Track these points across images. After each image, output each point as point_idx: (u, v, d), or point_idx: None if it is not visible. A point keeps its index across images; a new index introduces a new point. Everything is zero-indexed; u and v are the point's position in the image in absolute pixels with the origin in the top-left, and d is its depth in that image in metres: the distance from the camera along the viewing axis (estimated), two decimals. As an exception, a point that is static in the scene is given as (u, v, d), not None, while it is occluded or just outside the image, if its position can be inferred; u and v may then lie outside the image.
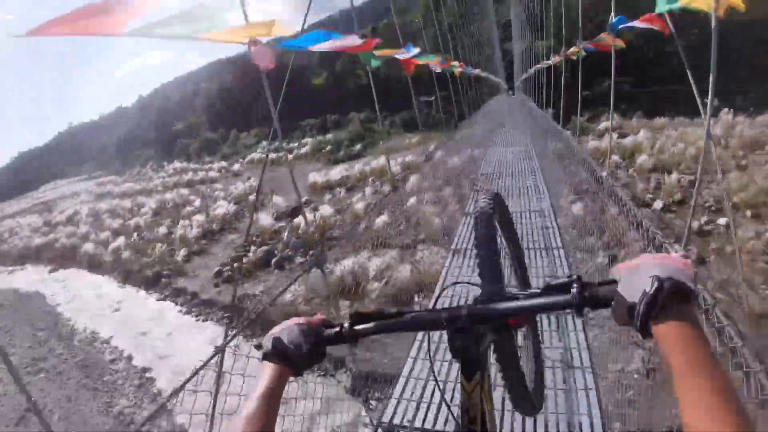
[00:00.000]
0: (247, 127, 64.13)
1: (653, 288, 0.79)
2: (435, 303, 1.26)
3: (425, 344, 4.81)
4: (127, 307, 13.22)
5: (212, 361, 2.88)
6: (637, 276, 0.84)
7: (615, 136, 20.18)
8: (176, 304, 12.46)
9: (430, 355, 1.84)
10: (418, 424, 3.95)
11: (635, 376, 5.70)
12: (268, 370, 1.01)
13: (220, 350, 2.96)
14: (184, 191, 29.17)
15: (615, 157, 17.02)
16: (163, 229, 18.67)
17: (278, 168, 33.75)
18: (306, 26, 4.28)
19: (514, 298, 1.05)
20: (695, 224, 11.17)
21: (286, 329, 1.07)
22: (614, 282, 0.90)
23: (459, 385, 1.07)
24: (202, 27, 2.45)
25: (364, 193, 16.78)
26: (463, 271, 7.02)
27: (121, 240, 18.30)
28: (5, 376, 6.99)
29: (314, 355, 1.07)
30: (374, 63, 5.15)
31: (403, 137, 34.33)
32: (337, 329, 1.11)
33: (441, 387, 4.27)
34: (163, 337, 10.89)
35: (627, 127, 25.91)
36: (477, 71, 16.47)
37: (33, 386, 9.72)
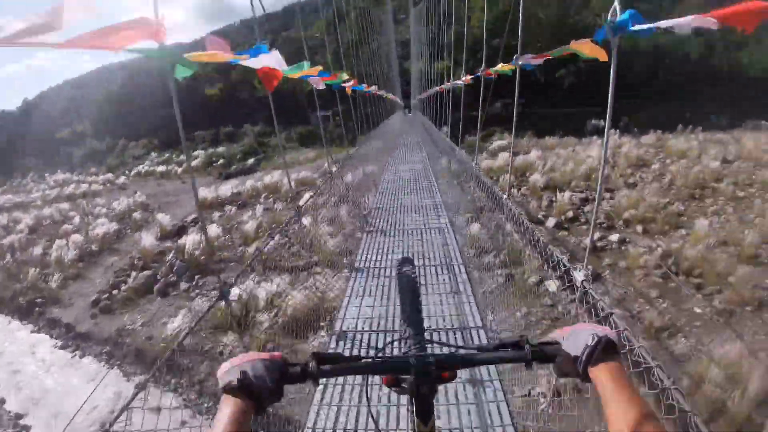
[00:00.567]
0: (136, 136, 60.73)
1: (594, 342, 1.04)
2: (383, 350, 1.37)
3: (327, 394, 4.49)
4: (-3, 341, 11.58)
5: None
6: (578, 336, 1.10)
7: (507, 155, 20.56)
8: (51, 336, 11.09)
9: (369, 401, 1.86)
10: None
11: (542, 399, 5.49)
12: (231, 405, 0.97)
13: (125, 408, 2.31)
14: (65, 206, 26.06)
15: (512, 177, 17.20)
16: (38, 250, 16.46)
17: (166, 182, 31.85)
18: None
19: (472, 352, 1.22)
20: (588, 242, 11.25)
21: (249, 363, 1.05)
22: (557, 343, 1.14)
23: None
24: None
25: (255, 212, 15.63)
26: (368, 292, 6.66)
27: (-9, 262, 16.03)
28: None
29: (276, 393, 1.05)
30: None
31: (299, 152, 33.52)
32: (302, 367, 1.10)
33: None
34: (39, 375, 9.66)
35: (518, 146, 26.54)
36: (373, 88, 15.95)
37: None
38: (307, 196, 12.38)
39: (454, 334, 5.34)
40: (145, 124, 57.49)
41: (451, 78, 16.02)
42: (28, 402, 8.80)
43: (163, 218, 16.24)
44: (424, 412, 1.20)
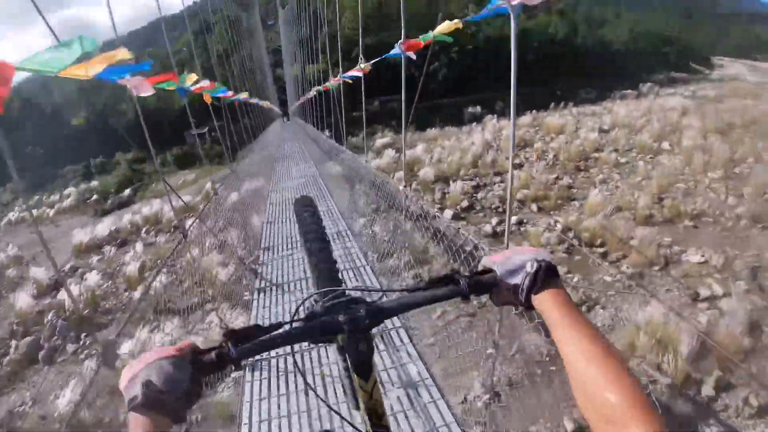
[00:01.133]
0: (3, 181, 55.52)
1: (534, 268, 0.99)
2: (297, 311, 1.17)
3: (257, 383, 4.38)
4: None
5: None
6: (513, 262, 1.03)
7: (393, 152, 20.32)
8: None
9: (302, 371, 1.65)
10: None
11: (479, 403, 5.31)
12: (141, 426, 0.78)
13: None
14: None
15: (399, 173, 16.92)
16: None
17: (42, 227, 28.96)
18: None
19: (402, 295, 1.11)
20: (488, 227, 11.14)
21: (153, 366, 0.84)
22: (491, 271, 1.06)
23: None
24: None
25: (135, 250, 14.07)
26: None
27: None
28: None
29: (193, 393, 0.87)
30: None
31: (177, 176, 31.69)
32: (217, 352, 0.92)
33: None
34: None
35: (400, 142, 26.52)
36: (243, 96, 15.03)
37: None
38: (189, 224, 11.46)
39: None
40: (8, 167, 52.61)
41: (329, 79, 15.64)
42: None
43: (38, 272, 14.17)
44: (364, 369, 1.10)
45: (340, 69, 11.43)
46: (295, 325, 1.06)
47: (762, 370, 5.90)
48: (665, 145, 16.16)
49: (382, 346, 4.85)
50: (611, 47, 59.13)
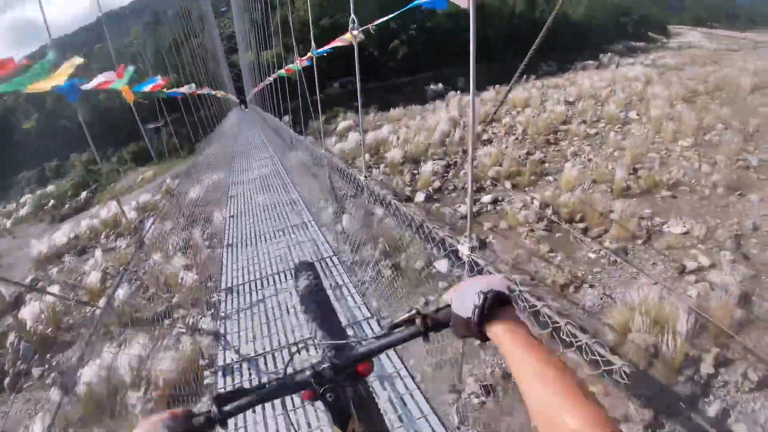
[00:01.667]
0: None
1: (480, 300, 1.01)
2: (286, 368, 1.28)
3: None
4: None
5: None
6: (464, 295, 1.08)
7: (357, 135, 19.80)
8: None
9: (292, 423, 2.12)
10: None
11: (474, 400, 5.26)
12: None
13: None
14: None
15: (366, 156, 16.41)
16: None
17: (-1, 240, 27.68)
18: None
19: (368, 342, 1.19)
20: (462, 209, 10.77)
21: (151, 429, 0.97)
22: (448, 306, 1.12)
23: None
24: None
25: (95, 258, 13.06)
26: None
27: None
28: None
29: None
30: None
31: (136, 173, 30.59)
32: (206, 414, 1.05)
33: None
34: None
35: (365, 123, 25.81)
36: (184, 89, 14.22)
37: None
38: (149, 225, 10.85)
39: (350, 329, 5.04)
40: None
41: (285, 65, 15.12)
42: None
43: None
44: (342, 418, 1.22)
45: (296, 55, 11.10)
46: (273, 383, 1.14)
47: (758, 343, 5.75)
48: (633, 114, 15.96)
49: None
50: (570, 20, 59.27)
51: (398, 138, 17.86)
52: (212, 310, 6.90)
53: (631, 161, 11.61)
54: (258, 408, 4.12)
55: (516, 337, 0.95)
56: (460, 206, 11.21)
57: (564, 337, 2.34)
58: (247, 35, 38.38)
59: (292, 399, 3.99)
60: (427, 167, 13.57)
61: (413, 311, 1.14)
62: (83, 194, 29.91)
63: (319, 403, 1.24)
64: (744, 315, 6.11)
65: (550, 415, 0.76)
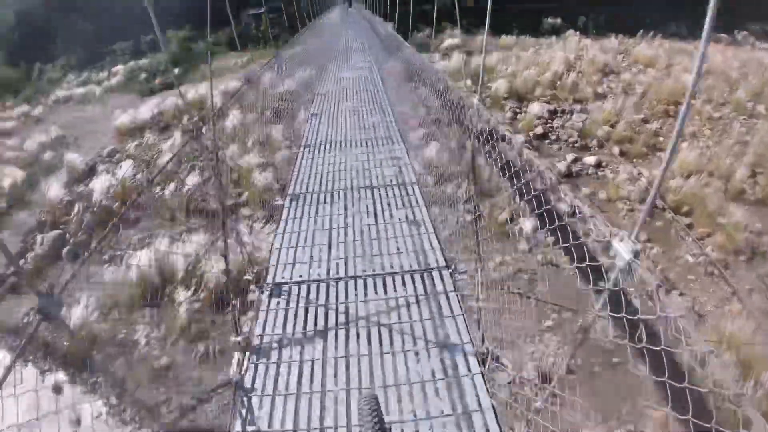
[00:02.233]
0: (52, 58, 54.83)
1: None
2: None
3: None
4: None
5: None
6: None
7: (462, 56, 18.54)
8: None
9: None
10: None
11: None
12: None
13: None
14: None
15: (468, 81, 15.29)
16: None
17: (87, 106, 28.25)
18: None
19: None
20: (562, 165, 9.77)
21: None
22: None
23: None
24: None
25: (174, 140, 12.66)
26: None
27: None
28: None
29: None
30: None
31: (228, 58, 30.25)
32: None
33: None
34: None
35: (471, 45, 24.17)
36: None
37: None
38: (233, 115, 10.41)
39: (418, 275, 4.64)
40: (60, 43, 51.96)
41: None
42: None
43: (72, 158, 13.27)
44: None
45: None
46: None
47: None
48: (762, 108, 13.97)
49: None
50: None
51: (506, 68, 16.47)
52: (274, 219, 6.42)
53: (753, 161, 10.09)
54: None
55: None
56: (559, 161, 10.16)
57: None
58: None
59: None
60: (534, 108, 12.40)
61: None
62: (176, 71, 29.82)
63: None
64: None
65: None
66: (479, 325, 3.89)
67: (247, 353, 3.84)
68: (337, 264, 4.90)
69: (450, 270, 4.66)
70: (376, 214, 5.76)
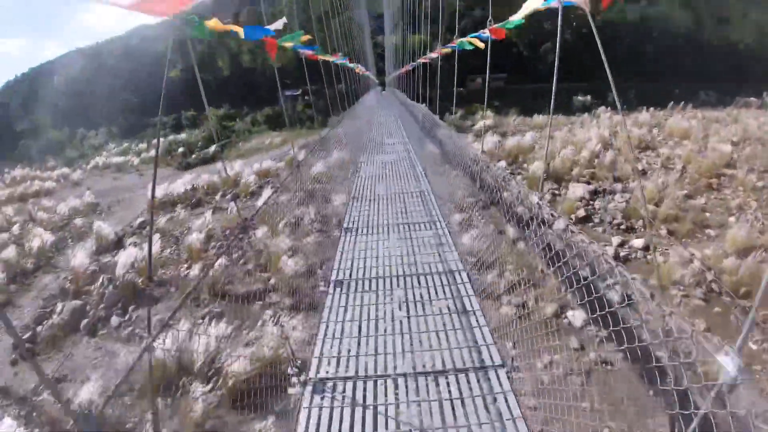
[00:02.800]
0: (96, 125, 57.28)
1: None
2: None
3: None
4: None
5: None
6: None
7: (496, 137, 18.48)
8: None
9: None
10: None
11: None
12: None
13: None
14: (9, 209, 20.27)
15: (501, 162, 15.10)
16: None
17: (123, 175, 28.97)
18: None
19: None
20: (610, 251, 9.25)
21: None
22: None
23: None
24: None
25: (205, 218, 12.54)
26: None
27: None
28: None
29: None
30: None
31: (265, 136, 31.01)
32: None
33: None
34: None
35: (504, 125, 24.29)
36: (355, 65, 13.74)
37: None
38: (266, 195, 10.21)
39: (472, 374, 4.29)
40: (104, 111, 54.51)
41: (427, 50, 14.20)
42: None
43: (102, 227, 13.18)
44: None
45: (440, 42, 10.18)
46: None
47: None
48: None
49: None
50: (737, 48, 53.61)
51: (546, 149, 16.25)
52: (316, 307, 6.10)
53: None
54: None
55: None
56: (606, 246, 9.68)
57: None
58: (395, 17, 37.80)
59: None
60: (576, 190, 12.05)
61: None
62: (212, 147, 30.55)
63: None
64: None
65: None
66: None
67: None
68: (385, 359, 4.57)
69: (506, 369, 4.30)
70: (423, 304, 5.41)
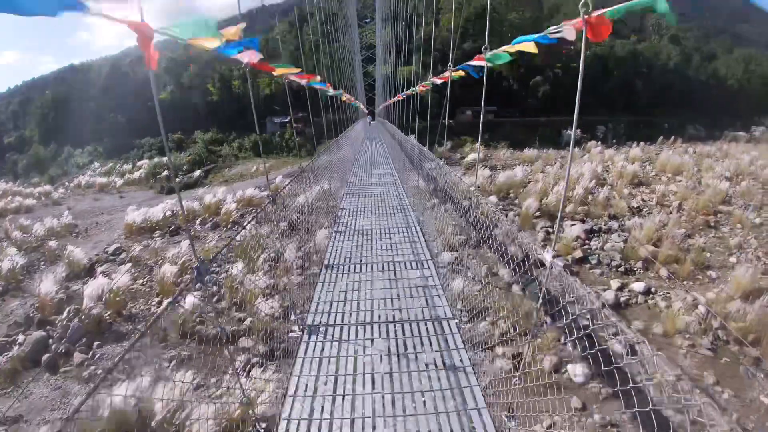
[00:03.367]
0: (82, 143, 56.73)
1: None
2: None
3: None
4: None
5: None
6: None
7: (486, 170, 18.09)
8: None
9: None
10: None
11: None
12: None
13: None
14: None
15: (492, 198, 14.63)
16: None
17: (105, 195, 28.24)
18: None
19: None
20: (609, 294, 8.74)
21: None
22: None
23: None
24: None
25: (180, 248, 11.56)
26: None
27: None
28: None
29: None
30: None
31: (252, 162, 30.50)
32: None
33: None
34: None
35: (495, 158, 23.96)
36: (345, 96, 13.35)
37: None
38: (246, 230, 9.64)
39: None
40: (92, 129, 54.12)
41: (419, 81, 13.87)
42: None
43: (74, 252, 12.48)
44: None
45: (430, 73, 9.79)
46: None
47: None
48: None
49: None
50: (724, 83, 54.22)
51: (540, 185, 15.76)
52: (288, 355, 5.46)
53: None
54: None
55: None
56: (604, 290, 9.14)
57: None
58: (386, 48, 37.77)
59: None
60: (572, 229, 11.57)
61: None
62: (197, 172, 30.02)
63: None
64: None
65: None
66: None
67: None
68: (363, 424, 3.95)
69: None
70: (407, 357, 4.79)
